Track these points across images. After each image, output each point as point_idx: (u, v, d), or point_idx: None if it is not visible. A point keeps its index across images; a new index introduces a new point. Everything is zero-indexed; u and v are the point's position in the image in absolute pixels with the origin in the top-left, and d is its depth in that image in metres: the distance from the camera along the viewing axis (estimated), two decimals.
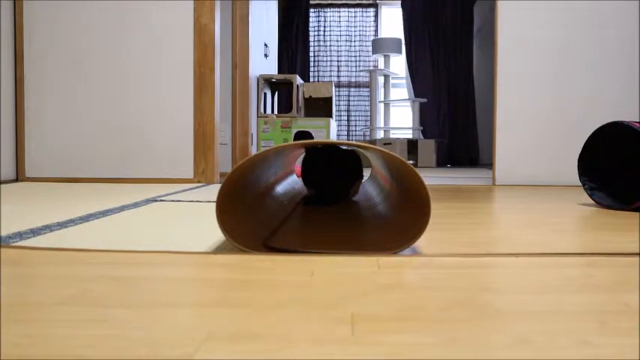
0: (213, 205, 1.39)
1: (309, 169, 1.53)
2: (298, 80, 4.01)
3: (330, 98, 4.38)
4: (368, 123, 5.92)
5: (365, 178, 1.69)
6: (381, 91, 5.67)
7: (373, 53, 5.54)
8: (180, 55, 2.38)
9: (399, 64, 5.91)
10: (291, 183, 1.59)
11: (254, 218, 1.00)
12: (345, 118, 6.06)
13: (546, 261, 0.79)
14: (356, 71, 6.08)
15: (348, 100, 6.06)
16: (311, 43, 6.07)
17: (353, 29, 6.09)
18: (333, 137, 4.19)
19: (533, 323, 0.50)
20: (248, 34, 3.37)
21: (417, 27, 5.76)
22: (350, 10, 6.09)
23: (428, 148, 4.96)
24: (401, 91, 6.02)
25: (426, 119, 5.69)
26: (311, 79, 6.04)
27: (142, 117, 2.40)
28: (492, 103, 2.54)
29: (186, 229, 1.06)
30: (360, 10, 6.08)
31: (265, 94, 3.91)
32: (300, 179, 1.59)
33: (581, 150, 1.63)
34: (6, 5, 2.36)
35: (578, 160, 1.63)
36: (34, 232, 1.01)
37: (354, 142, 0.93)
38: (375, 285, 0.64)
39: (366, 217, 1.20)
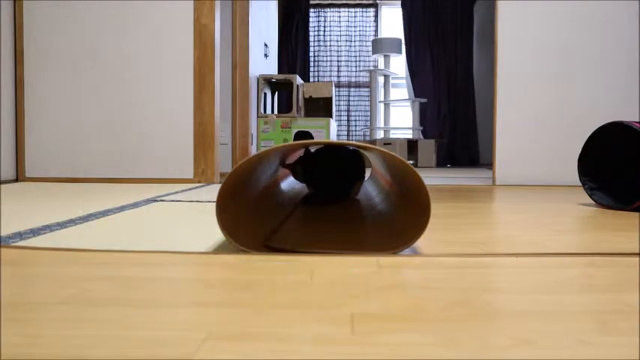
0: (214, 205, 1.39)
1: (309, 168, 1.53)
2: (298, 80, 4.01)
3: (330, 98, 4.38)
4: (368, 123, 5.92)
5: (365, 178, 1.69)
6: (381, 91, 5.66)
7: (373, 53, 5.54)
8: (181, 55, 2.38)
9: (399, 64, 5.91)
10: (291, 183, 1.59)
11: (254, 218, 1.00)
12: (345, 118, 6.06)
13: (546, 261, 0.79)
14: (356, 71, 6.08)
15: (348, 100, 6.06)
16: (311, 43, 6.07)
17: (353, 29, 6.09)
18: (333, 137, 4.19)
19: (533, 323, 0.50)
20: (248, 34, 3.37)
21: (417, 27, 5.76)
22: (350, 10, 6.08)
23: (428, 148, 4.96)
24: (401, 91, 6.02)
25: (426, 119, 5.69)
26: (311, 79, 6.04)
27: (142, 117, 2.40)
28: (492, 103, 2.54)
29: (187, 229, 1.06)
30: (360, 10, 6.08)
31: (265, 94, 3.91)
32: (292, 176, 1.58)
33: (581, 150, 1.63)
34: (6, 5, 2.36)
35: (578, 160, 1.63)
36: (34, 232, 1.01)
37: (354, 142, 0.93)
38: (375, 285, 0.64)
39: (367, 217, 1.20)
